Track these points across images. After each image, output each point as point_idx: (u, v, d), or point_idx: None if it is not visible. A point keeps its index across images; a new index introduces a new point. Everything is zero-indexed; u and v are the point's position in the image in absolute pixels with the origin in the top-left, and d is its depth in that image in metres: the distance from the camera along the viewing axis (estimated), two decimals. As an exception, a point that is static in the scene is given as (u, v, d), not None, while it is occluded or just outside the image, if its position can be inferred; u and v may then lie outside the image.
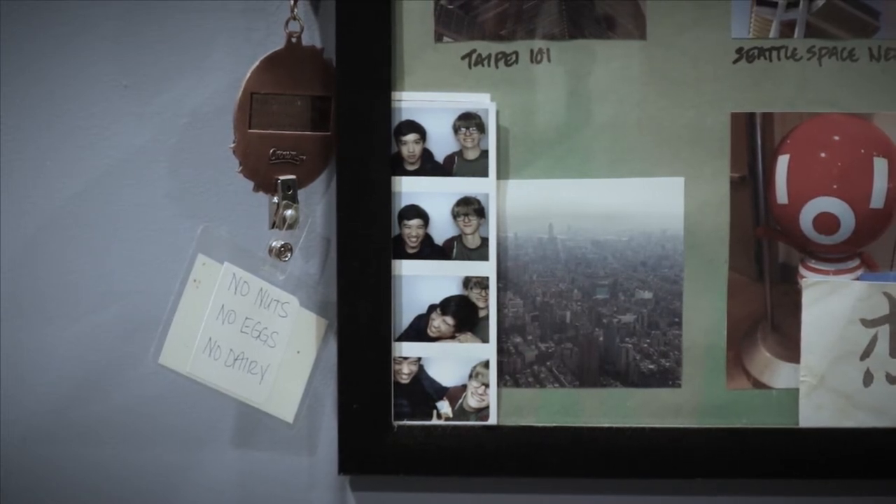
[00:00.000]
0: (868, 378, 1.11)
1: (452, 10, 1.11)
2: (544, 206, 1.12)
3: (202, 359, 1.11)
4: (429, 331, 1.13)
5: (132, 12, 1.14)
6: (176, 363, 1.11)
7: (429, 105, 1.11)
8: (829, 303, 1.11)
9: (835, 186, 1.10)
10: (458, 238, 1.12)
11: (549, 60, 1.10)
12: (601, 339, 1.13)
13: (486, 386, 1.13)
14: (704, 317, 1.12)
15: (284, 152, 1.10)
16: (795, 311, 1.12)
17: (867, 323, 1.11)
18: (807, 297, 1.11)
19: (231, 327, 1.11)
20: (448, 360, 1.13)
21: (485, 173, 1.11)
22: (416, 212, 1.12)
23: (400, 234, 1.12)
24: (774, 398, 1.12)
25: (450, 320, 1.12)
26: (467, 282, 1.12)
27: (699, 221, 1.11)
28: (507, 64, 1.11)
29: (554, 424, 1.13)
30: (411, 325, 1.13)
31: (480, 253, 1.12)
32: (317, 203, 1.13)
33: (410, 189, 1.12)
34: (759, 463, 1.11)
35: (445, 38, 1.11)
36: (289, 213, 1.10)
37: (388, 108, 1.10)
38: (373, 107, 1.10)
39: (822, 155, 1.11)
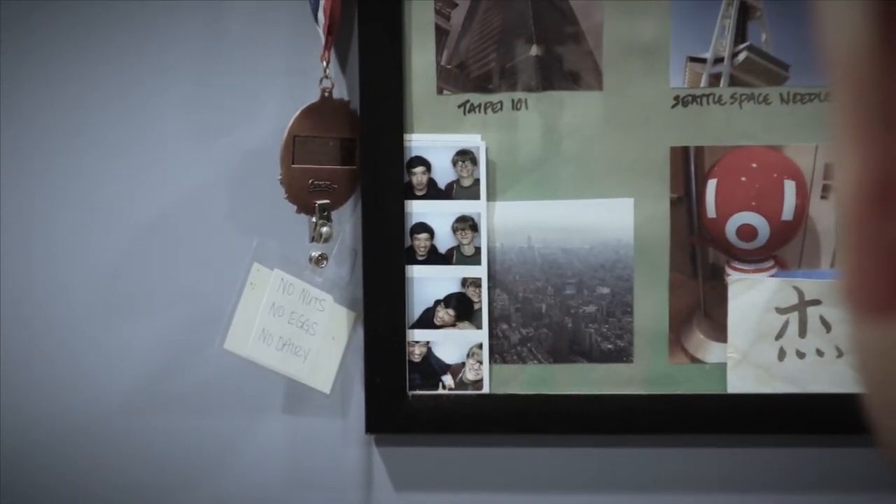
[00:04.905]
0: (782, 354, 1.16)
1: (451, 69, 1.15)
2: (524, 222, 1.16)
3: (258, 344, 1.16)
4: (435, 320, 1.18)
5: (201, 74, 1.18)
6: (237, 348, 1.16)
7: (433, 144, 1.15)
8: (750, 295, 1.16)
9: (753, 203, 1.15)
10: (457, 248, 1.17)
11: (527, 108, 1.15)
12: (570, 325, 1.17)
13: (481, 363, 1.17)
14: (651, 307, 1.16)
15: (320, 182, 1.15)
16: (723, 302, 1.16)
17: (780, 311, 1.16)
18: (732, 291, 1.16)
19: (280, 320, 1.16)
20: (450, 343, 1.17)
21: (477, 197, 1.16)
22: (423, 227, 1.17)
23: (411, 245, 1.17)
24: (707, 370, 1.17)
25: (451, 312, 1.17)
26: (465, 282, 1.17)
27: (646, 232, 1.16)
28: (494, 111, 1.15)
29: (534, 392, 1.17)
30: (421, 317, 1.18)
31: (475, 259, 1.17)
32: (346, 222, 1.18)
33: (419, 210, 1.16)
34: (695, 422, 1.16)
35: (445, 91, 1.15)
36: (324, 229, 1.15)
37: (401, 146, 1.15)
38: (389, 146, 1.15)
39: (743, 179, 1.15)
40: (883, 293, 0.34)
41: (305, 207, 1.16)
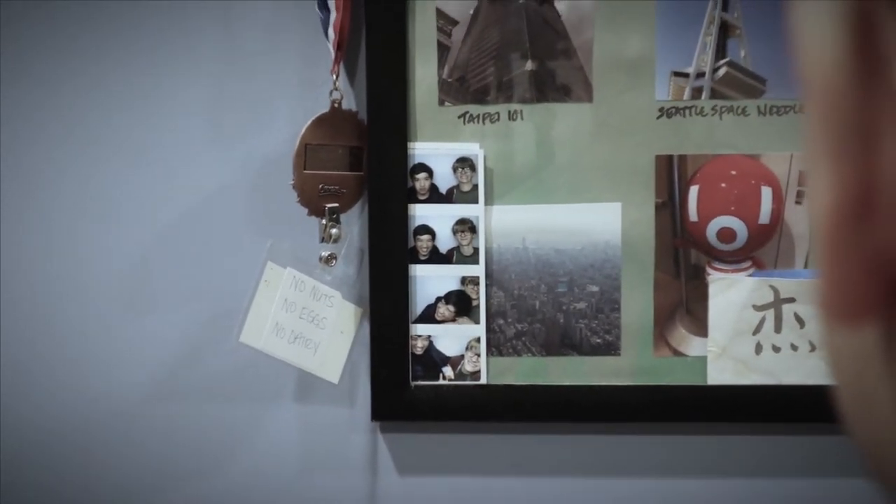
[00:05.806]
0: (759, 348, 1.17)
1: (451, 82, 1.16)
2: (519, 224, 1.17)
3: (271, 338, 1.16)
4: (436, 316, 1.18)
5: (218, 85, 1.19)
6: (253, 341, 1.17)
7: (434, 152, 1.16)
8: (729, 293, 1.16)
9: (732, 208, 1.16)
10: (457, 248, 1.18)
11: (522, 119, 1.16)
12: (561, 320, 1.18)
13: (479, 355, 1.18)
14: (637, 304, 1.17)
15: (330, 187, 1.16)
16: (704, 299, 1.17)
17: (757, 308, 1.16)
18: (712, 290, 1.17)
19: (292, 315, 1.17)
20: (450, 337, 1.18)
21: (476, 201, 1.17)
22: (426, 229, 1.17)
23: (414, 245, 1.17)
24: (689, 363, 1.17)
25: (451, 308, 1.18)
26: (464, 280, 1.18)
27: (632, 235, 1.16)
28: (492, 122, 1.16)
29: (528, 383, 1.18)
30: (423, 312, 1.18)
31: (473, 259, 1.17)
32: (354, 224, 1.18)
33: (422, 213, 1.17)
34: (677, 411, 1.17)
35: (446, 103, 1.16)
36: (334, 231, 1.16)
37: (405, 154, 1.16)
38: (394, 153, 1.15)
39: (723, 185, 1.16)
40: (857, 303, 0.34)
41: (316, 210, 1.17)
